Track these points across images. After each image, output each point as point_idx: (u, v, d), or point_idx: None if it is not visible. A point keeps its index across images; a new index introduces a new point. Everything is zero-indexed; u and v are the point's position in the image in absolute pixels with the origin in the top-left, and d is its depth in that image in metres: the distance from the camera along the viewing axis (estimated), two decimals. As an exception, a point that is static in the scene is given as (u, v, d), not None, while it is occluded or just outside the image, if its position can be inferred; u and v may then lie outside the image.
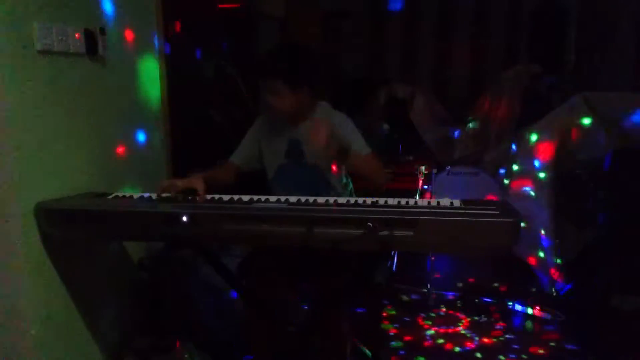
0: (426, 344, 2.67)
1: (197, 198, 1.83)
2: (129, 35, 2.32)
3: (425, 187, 3.28)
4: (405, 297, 3.16)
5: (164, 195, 1.86)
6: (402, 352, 2.59)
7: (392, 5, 4.85)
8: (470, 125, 4.08)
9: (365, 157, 2.01)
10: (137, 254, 2.39)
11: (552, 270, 3.09)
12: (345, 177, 2.18)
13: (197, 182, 1.86)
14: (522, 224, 3.00)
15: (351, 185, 2.22)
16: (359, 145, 2.03)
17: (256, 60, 2.02)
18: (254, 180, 2.23)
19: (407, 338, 2.72)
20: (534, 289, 3.17)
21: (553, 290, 3.08)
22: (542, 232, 3.11)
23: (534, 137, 3.23)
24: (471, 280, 3.39)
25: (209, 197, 1.82)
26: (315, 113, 2.09)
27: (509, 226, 1.52)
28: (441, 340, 2.69)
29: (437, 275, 3.28)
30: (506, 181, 3.49)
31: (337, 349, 2.14)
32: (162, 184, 1.89)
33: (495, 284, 3.32)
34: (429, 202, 1.76)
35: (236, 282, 2.03)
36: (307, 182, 2.05)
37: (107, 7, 2.16)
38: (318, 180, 2.06)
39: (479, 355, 2.57)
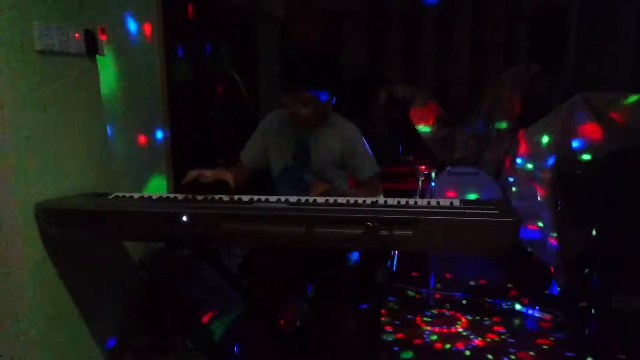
0: (425, 343, 2.67)
1: (229, 188, 1.85)
2: (129, 34, 2.32)
3: (426, 187, 3.29)
4: (402, 297, 3.17)
5: (188, 182, 1.88)
6: (401, 351, 2.60)
7: (393, 5, 4.84)
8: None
9: (360, 189, 2.03)
10: (137, 254, 2.40)
11: (553, 270, 3.09)
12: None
13: (226, 173, 1.87)
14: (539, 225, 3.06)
15: None
16: (366, 167, 2.05)
17: (284, 70, 2.01)
18: (255, 179, 2.23)
19: (407, 338, 2.72)
20: (534, 289, 3.17)
21: (553, 289, 3.08)
22: (545, 232, 3.12)
23: (534, 137, 3.23)
24: (471, 280, 3.39)
25: (209, 197, 1.83)
26: (328, 120, 2.08)
27: (508, 226, 1.52)
28: (440, 340, 2.70)
29: (436, 275, 3.28)
30: (509, 181, 3.49)
31: (338, 349, 2.14)
32: (191, 173, 1.89)
33: (495, 284, 3.32)
34: (428, 202, 1.76)
35: (236, 282, 2.03)
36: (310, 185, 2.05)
37: (108, 6, 2.16)
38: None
39: (477, 355, 2.57)
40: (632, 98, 3.02)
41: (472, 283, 3.35)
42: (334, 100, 2.04)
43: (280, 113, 2.15)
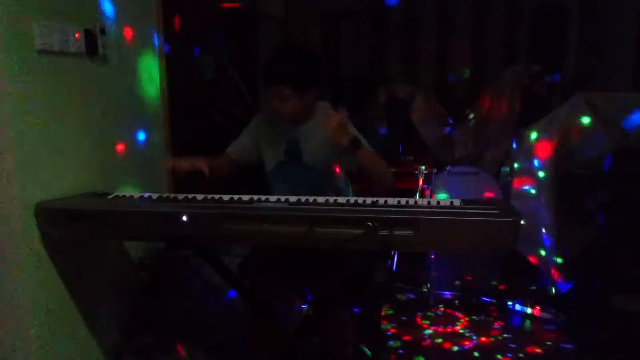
0: (425, 343, 2.68)
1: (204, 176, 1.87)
2: (129, 34, 2.32)
3: (425, 187, 3.29)
4: (402, 297, 3.17)
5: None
6: (401, 352, 2.60)
7: (392, 5, 4.85)
8: (471, 116, 4.06)
9: (372, 151, 2.01)
10: (137, 254, 2.40)
11: (553, 270, 3.09)
12: (345, 180, 2.18)
13: (202, 163, 1.91)
14: (523, 222, 3.06)
15: (351, 188, 2.22)
16: (365, 144, 2.03)
17: (262, 65, 2.02)
18: (254, 178, 2.23)
19: (407, 337, 2.73)
20: (534, 289, 3.17)
21: (553, 289, 3.08)
22: (543, 231, 3.12)
23: (534, 137, 3.23)
24: (471, 279, 3.39)
25: (209, 196, 1.82)
26: (316, 114, 2.09)
27: (508, 226, 1.52)
28: (440, 340, 2.70)
29: (437, 275, 3.29)
30: (508, 180, 3.49)
31: (337, 349, 2.14)
32: (168, 164, 1.92)
33: (495, 284, 3.32)
34: (428, 202, 1.76)
35: (236, 282, 2.03)
36: (304, 181, 2.05)
37: (107, 6, 2.16)
38: (315, 180, 2.07)
39: (477, 354, 2.57)
40: (632, 98, 3.02)
41: (472, 283, 3.35)
42: (315, 97, 2.04)
43: (269, 112, 2.16)
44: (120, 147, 2.28)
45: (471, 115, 4.18)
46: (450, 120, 4.29)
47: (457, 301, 3.12)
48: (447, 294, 3.19)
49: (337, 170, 2.10)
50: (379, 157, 2.02)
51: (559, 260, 3.07)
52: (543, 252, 3.14)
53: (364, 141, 2.02)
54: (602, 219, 2.96)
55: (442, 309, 3.03)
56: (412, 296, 3.21)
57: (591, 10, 4.29)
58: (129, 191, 2.17)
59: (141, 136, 2.44)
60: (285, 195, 1.82)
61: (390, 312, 2.99)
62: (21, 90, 1.73)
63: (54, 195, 1.85)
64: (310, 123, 2.07)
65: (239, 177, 2.25)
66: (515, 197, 3.28)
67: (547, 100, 3.89)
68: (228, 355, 2.36)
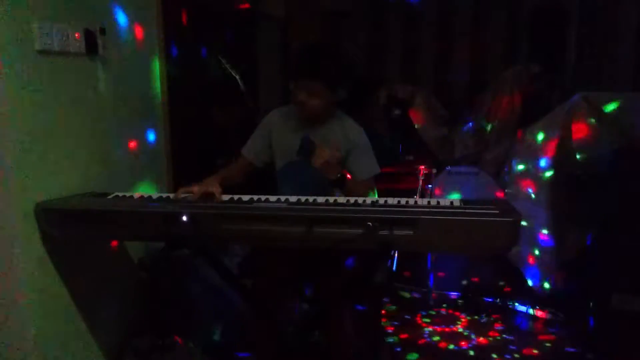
0: (425, 343, 2.68)
1: (215, 200, 1.83)
2: (129, 35, 2.32)
3: (425, 187, 3.29)
4: (406, 294, 3.17)
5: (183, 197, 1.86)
6: (401, 351, 2.60)
7: (392, 5, 4.85)
8: (471, 117, 4.09)
9: (358, 183, 2.02)
10: (137, 254, 2.40)
11: (551, 270, 3.09)
12: None
13: (213, 185, 1.86)
14: (524, 223, 3.07)
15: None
16: (365, 169, 2.04)
17: (294, 58, 1.98)
18: (257, 177, 2.22)
19: (407, 337, 2.73)
20: (533, 289, 3.17)
21: (546, 284, 3.08)
22: (542, 231, 3.12)
23: (533, 137, 3.23)
24: (471, 279, 3.39)
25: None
26: (334, 118, 2.07)
27: (508, 226, 1.52)
28: (440, 340, 2.70)
29: (437, 275, 3.29)
30: (506, 180, 3.49)
31: (338, 349, 2.14)
32: (179, 192, 1.88)
33: (496, 284, 3.32)
34: (428, 202, 1.76)
35: (236, 282, 2.03)
36: (313, 182, 2.04)
37: (108, 7, 2.16)
38: (324, 182, 2.06)
39: (478, 354, 2.57)
40: (632, 97, 3.02)
41: (471, 283, 3.35)
42: (340, 98, 2.04)
43: (283, 110, 2.15)
44: (120, 147, 2.28)
45: (471, 116, 4.19)
46: (450, 120, 4.29)
47: (458, 301, 3.12)
48: (448, 294, 3.19)
49: (348, 175, 2.10)
50: (363, 186, 2.02)
51: (558, 260, 3.07)
52: (537, 252, 3.14)
53: (362, 168, 2.02)
54: (602, 218, 2.95)
55: (442, 309, 3.03)
56: (412, 296, 3.21)
57: (591, 10, 4.29)
58: (129, 191, 2.17)
59: (141, 136, 2.44)
60: (293, 194, 1.82)
61: (390, 312, 2.99)
62: (21, 90, 1.73)
63: (54, 195, 1.85)
64: (329, 125, 2.05)
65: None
66: (514, 197, 3.29)
67: (547, 100, 3.88)
68: (228, 355, 2.36)
